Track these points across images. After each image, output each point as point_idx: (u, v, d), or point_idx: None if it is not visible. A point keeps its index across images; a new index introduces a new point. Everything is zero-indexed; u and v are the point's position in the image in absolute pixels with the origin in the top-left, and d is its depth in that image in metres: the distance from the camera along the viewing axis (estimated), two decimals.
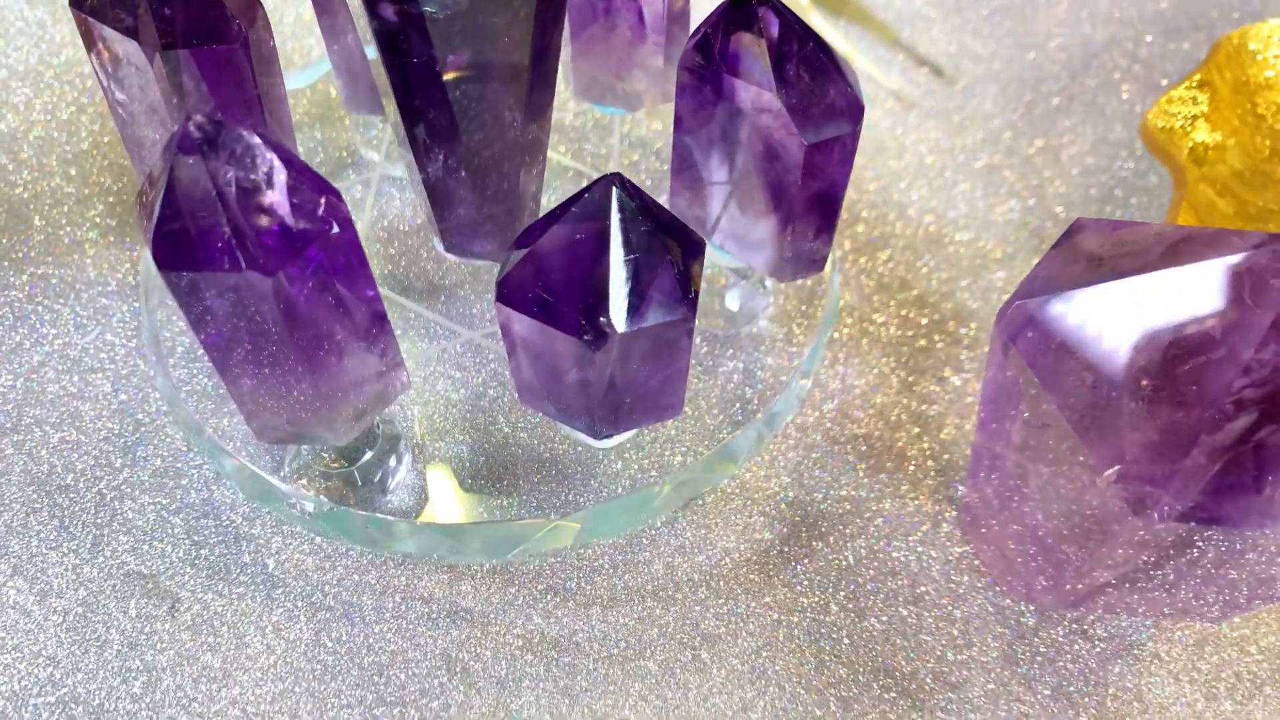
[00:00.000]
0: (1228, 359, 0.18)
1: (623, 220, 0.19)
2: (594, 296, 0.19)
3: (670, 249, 0.19)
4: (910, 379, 0.27)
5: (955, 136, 0.32)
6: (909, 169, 0.32)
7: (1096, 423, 0.19)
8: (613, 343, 0.19)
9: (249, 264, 0.17)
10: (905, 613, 0.24)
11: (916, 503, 0.25)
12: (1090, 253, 0.20)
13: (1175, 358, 0.18)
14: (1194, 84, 0.30)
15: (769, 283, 0.28)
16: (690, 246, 0.19)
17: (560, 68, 0.28)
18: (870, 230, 0.30)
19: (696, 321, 0.27)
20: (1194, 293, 0.19)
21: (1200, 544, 0.19)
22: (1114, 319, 0.19)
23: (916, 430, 0.26)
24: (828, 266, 0.27)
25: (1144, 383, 0.19)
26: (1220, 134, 0.30)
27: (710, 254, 0.26)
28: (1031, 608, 0.24)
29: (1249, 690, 0.23)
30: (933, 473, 0.26)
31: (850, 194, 0.31)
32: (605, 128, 0.31)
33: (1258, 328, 0.18)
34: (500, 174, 0.22)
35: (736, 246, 0.25)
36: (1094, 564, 0.21)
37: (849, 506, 0.25)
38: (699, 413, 0.26)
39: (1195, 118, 0.30)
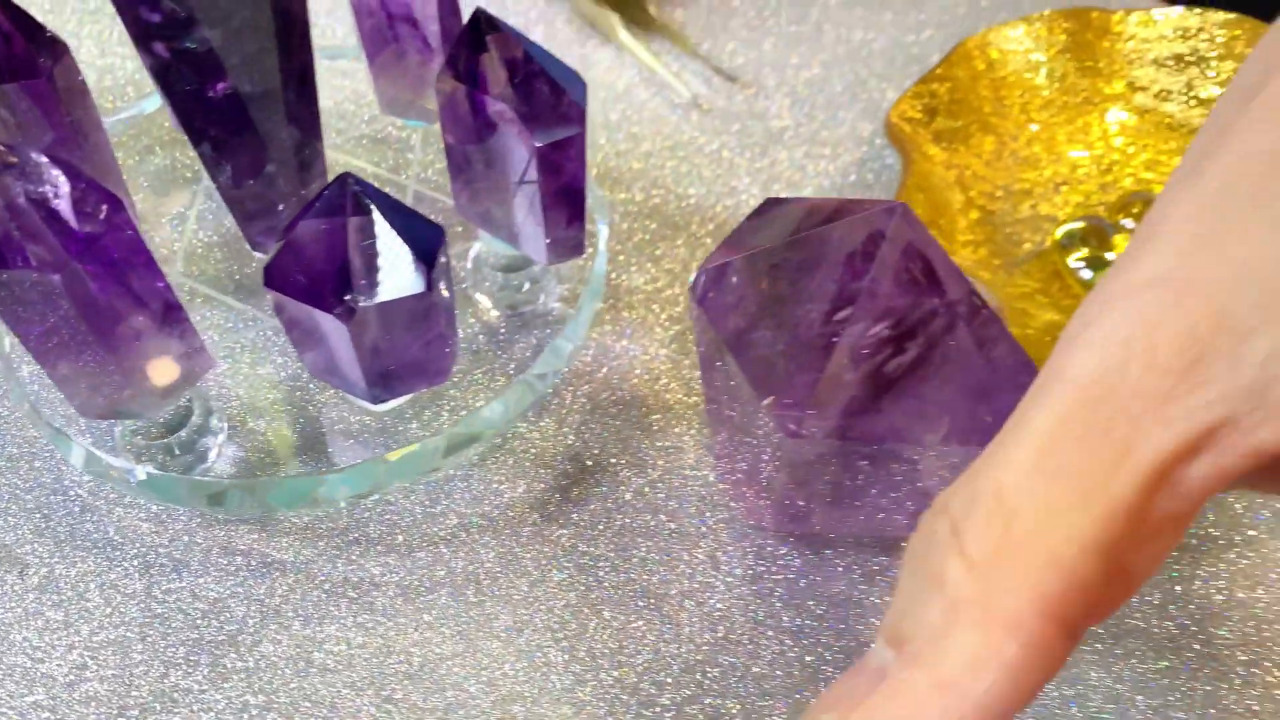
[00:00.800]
0: (859, 309, 0.22)
1: (356, 212, 0.22)
2: (339, 278, 0.22)
3: (402, 234, 0.23)
4: (684, 346, 0.31)
5: (742, 136, 0.37)
6: (699, 165, 0.36)
7: (760, 366, 0.23)
8: (362, 316, 0.23)
9: (40, 264, 0.21)
10: (665, 544, 0.27)
11: (681, 450, 0.29)
12: (765, 224, 0.24)
13: (812, 309, 0.22)
14: (932, 79, 0.34)
15: (557, 269, 0.32)
16: (424, 232, 0.23)
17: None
18: (663, 222, 0.34)
19: (485, 301, 0.31)
20: (828, 252, 0.23)
21: (879, 467, 0.23)
22: (761, 277, 0.23)
23: (684, 390, 0.30)
24: (601, 246, 0.31)
25: (792, 326, 0.22)
26: (959, 122, 0.34)
27: (497, 245, 0.30)
28: (768, 532, 0.28)
29: None
30: (695, 425, 0.30)
31: (644, 189, 0.35)
32: (407, 138, 0.35)
33: (882, 279, 0.22)
34: (281, 182, 0.26)
35: (508, 237, 0.28)
36: (800, 489, 0.25)
37: (625, 458, 0.29)
38: (487, 378, 0.30)
39: (934, 110, 0.34)
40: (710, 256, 0.24)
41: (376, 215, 0.23)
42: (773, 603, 0.27)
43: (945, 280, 0.22)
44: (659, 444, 0.29)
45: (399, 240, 0.23)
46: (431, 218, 0.24)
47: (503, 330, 0.31)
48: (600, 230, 0.31)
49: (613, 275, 0.32)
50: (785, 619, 0.26)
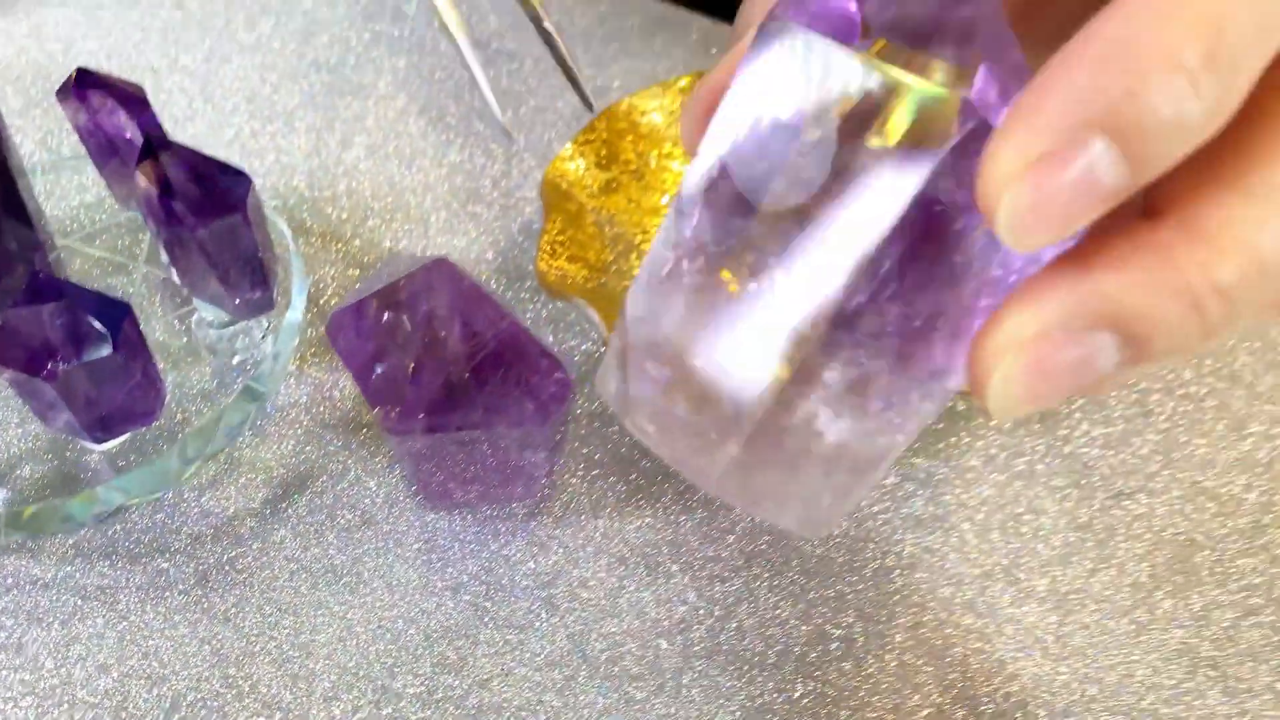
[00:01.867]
0: (424, 341, 0.30)
1: (51, 296, 0.29)
2: (46, 349, 0.30)
3: (89, 310, 0.30)
4: None
5: (462, 182, 0.44)
6: (396, 210, 0.43)
7: (374, 384, 0.30)
8: (66, 377, 0.30)
9: None
10: (358, 534, 0.35)
11: (376, 457, 0.36)
12: (384, 274, 0.32)
13: (400, 341, 0.30)
14: (583, 140, 0.42)
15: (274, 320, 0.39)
16: (108, 307, 0.30)
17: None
18: (365, 269, 0.41)
19: (206, 353, 0.38)
20: (402, 296, 0.30)
21: (470, 450, 0.31)
22: (367, 318, 0.31)
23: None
24: (295, 299, 0.38)
25: (394, 353, 0.30)
26: (610, 173, 0.43)
27: (209, 307, 0.37)
28: (440, 510, 0.35)
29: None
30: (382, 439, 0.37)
31: (358, 242, 0.42)
32: (141, 226, 0.42)
33: (435, 317, 0.30)
34: (17, 275, 0.33)
35: (211, 300, 0.36)
36: (432, 474, 0.32)
37: (332, 465, 0.36)
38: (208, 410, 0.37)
39: (587, 168, 0.42)
40: (341, 303, 0.32)
41: (65, 296, 0.30)
42: (444, 569, 0.34)
43: (482, 318, 0.30)
44: (358, 453, 0.36)
45: (85, 315, 0.30)
46: (156, 288, 0.31)
47: (217, 374, 0.38)
48: (296, 283, 0.38)
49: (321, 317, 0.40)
50: (449, 578, 0.34)
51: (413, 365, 0.30)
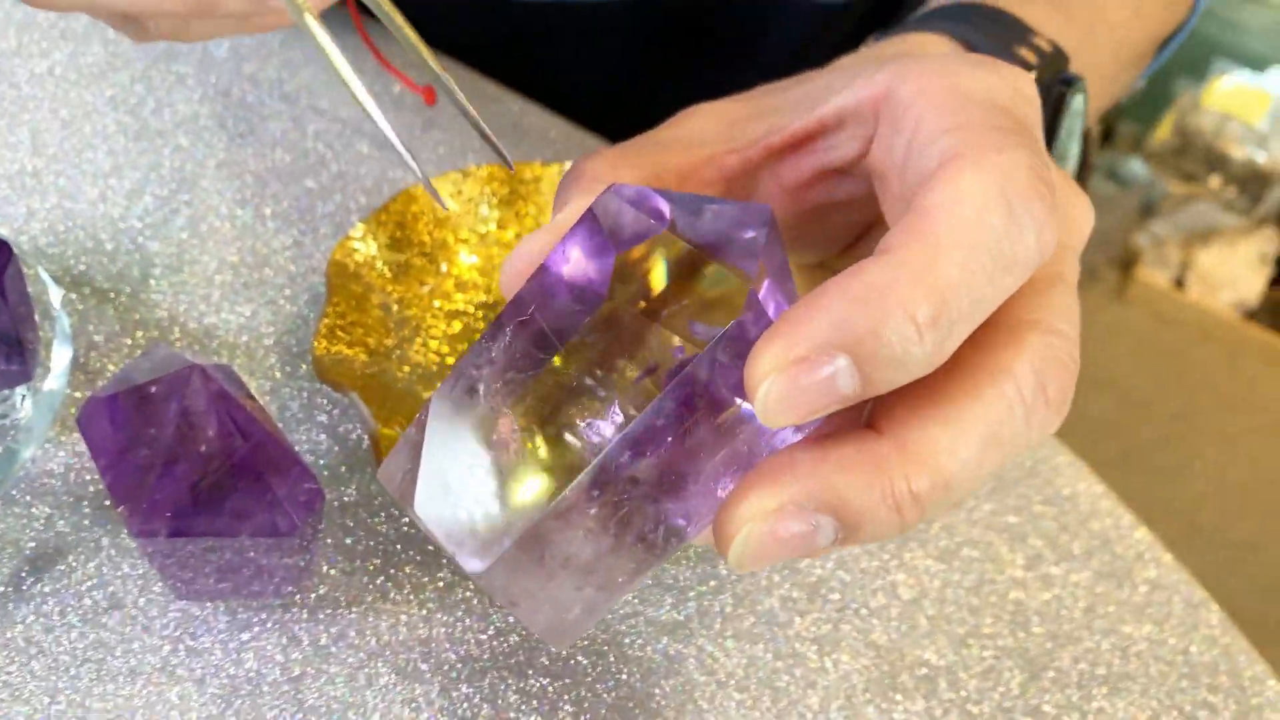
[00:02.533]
0: (180, 447, 0.30)
1: None
2: None
3: None
4: None
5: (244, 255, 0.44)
6: (179, 270, 0.43)
7: (122, 480, 0.30)
8: None
9: None
10: (104, 618, 0.34)
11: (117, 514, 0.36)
12: (144, 366, 0.32)
13: (150, 442, 0.30)
14: (375, 220, 0.43)
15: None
16: None
17: None
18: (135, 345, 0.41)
19: None
20: (153, 402, 0.30)
21: (218, 555, 0.31)
22: (122, 414, 0.30)
23: None
24: (55, 366, 0.37)
25: (145, 454, 0.30)
26: (403, 256, 0.43)
27: None
28: (188, 599, 0.35)
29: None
30: None
31: (135, 317, 0.41)
32: None
33: (190, 425, 0.30)
34: None
35: None
36: (197, 575, 0.32)
37: (84, 541, 0.35)
38: None
39: (379, 250, 0.43)
40: (96, 392, 0.32)
41: None
42: (192, 660, 0.34)
43: (235, 424, 0.30)
44: (114, 530, 0.36)
45: None
46: None
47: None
48: (59, 351, 0.37)
49: (89, 380, 0.39)
50: (196, 670, 0.34)
51: (161, 464, 0.30)
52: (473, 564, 0.23)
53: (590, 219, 0.24)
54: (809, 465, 0.22)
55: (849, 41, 0.62)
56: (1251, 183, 1.36)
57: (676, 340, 0.22)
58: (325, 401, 0.40)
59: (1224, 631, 0.40)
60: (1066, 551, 0.41)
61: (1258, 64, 1.39)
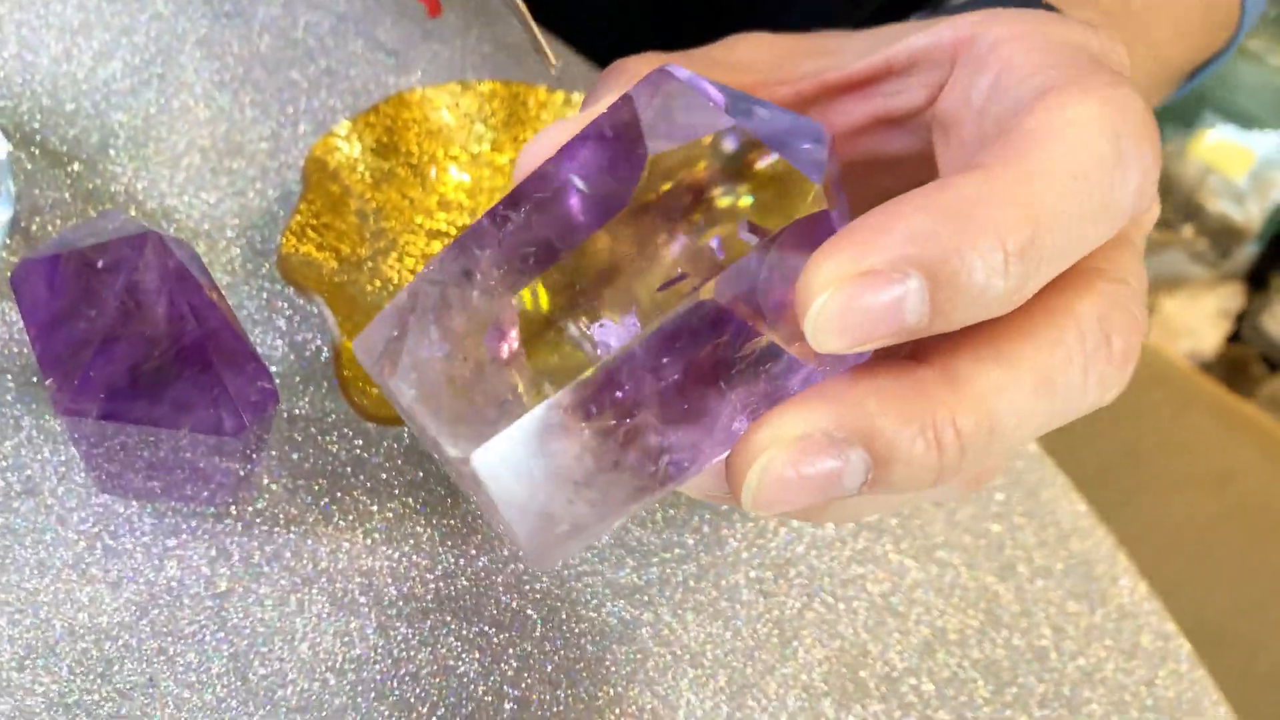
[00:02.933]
0: (125, 320, 0.27)
1: None
2: None
3: None
4: None
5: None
6: (144, 145, 0.39)
7: (55, 351, 0.27)
8: None
9: None
10: (18, 504, 0.31)
11: (59, 418, 0.33)
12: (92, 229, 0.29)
13: (93, 311, 0.27)
14: (363, 121, 0.40)
15: None
16: None
17: None
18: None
19: None
20: (94, 269, 0.27)
21: (145, 447, 0.28)
22: (68, 279, 0.27)
23: None
24: None
25: (84, 324, 0.27)
26: (387, 163, 0.40)
27: None
28: (113, 494, 0.32)
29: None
30: None
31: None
32: None
33: (135, 299, 0.27)
34: None
35: None
36: (126, 466, 0.29)
37: (3, 418, 0.32)
38: None
39: (362, 153, 0.39)
40: (34, 252, 0.28)
41: None
42: (109, 560, 0.31)
43: (188, 305, 0.27)
44: (38, 411, 0.33)
45: None
46: None
47: None
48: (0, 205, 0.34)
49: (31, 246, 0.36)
50: (112, 571, 0.31)
51: (100, 340, 0.27)
52: (456, 448, 0.21)
53: (632, 98, 0.21)
54: (840, 390, 0.19)
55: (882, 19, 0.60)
56: (1223, 237, 1.37)
57: (716, 241, 0.20)
58: (285, 306, 0.37)
59: (1191, 668, 0.39)
60: (1043, 567, 0.40)
61: (1246, 121, 1.40)
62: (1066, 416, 0.20)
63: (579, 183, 0.21)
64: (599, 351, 0.20)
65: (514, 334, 0.20)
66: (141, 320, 0.27)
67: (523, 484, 0.21)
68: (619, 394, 0.20)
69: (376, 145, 0.40)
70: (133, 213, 0.38)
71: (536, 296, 0.21)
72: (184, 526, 0.32)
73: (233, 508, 0.32)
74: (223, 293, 0.35)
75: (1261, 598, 1.20)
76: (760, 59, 0.26)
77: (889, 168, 0.27)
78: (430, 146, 0.41)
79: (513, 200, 0.22)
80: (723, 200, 0.20)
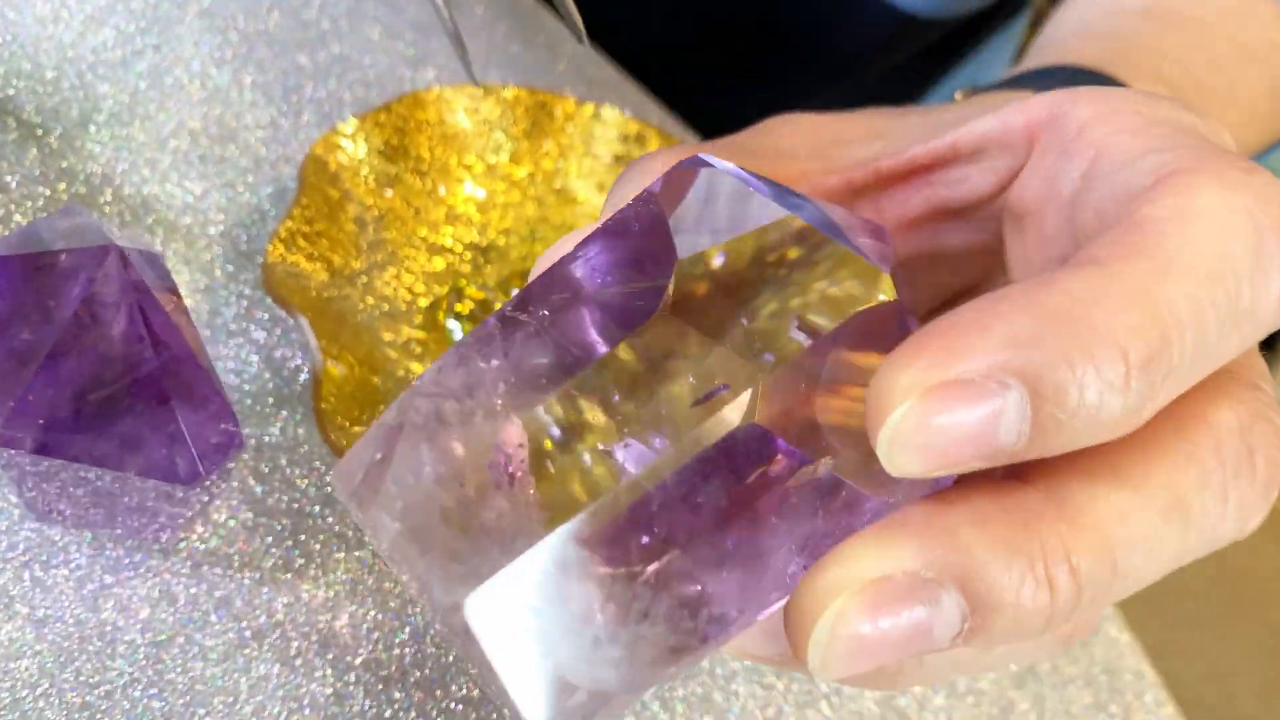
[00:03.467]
0: (71, 342, 0.23)
1: None
2: None
3: None
4: None
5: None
6: (129, 124, 0.36)
7: None
8: None
9: None
10: None
11: None
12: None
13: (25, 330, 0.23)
14: (372, 120, 0.36)
15: None
16: None
17: None
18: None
19: None
20: (52, 279, 0.24)
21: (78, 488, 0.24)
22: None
23: None
24: None
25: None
26: (394, 167, 0.37)
27: None
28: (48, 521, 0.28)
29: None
30: None
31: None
32: None
33: (93, 315, 0.23)
34: None
35: None
36: (62, 496, 0.26)
37: None
38: None
39: (368, 154, 0.36)
40: None
41: None
42: (37, 593, 0.27)
43: (149, 329, 0.24)
44: None
45: None
46: None
47: None
48: None
49: None
50: (39, 606, 0.27)
51: (45, 357, 0.23)
52: (447, 592, 0.17)
53: (657, 192, 0.19)
54: (926, 517, 0.16)
55: (916, 64, 0.56)
56: None
57: (762, 345, 0.16)
58: (266, 317, 0.34)
59: None
60: (1067, 676, 0.36)
61: None
62: (1199, 551, 0.17)
63: (600, 286, 0.18)
64: (622, 479, 0.17)
65: (522, 458, 0.17)
66: (94, 339, 0.24)
67: (528, 638, 0.17)
68: (646, 529, 0.17)
69: (385, 147, 0.36)
70: (108, 197, 0.34)
71: (549, 415, 0.17)
72: (126, 561, 0.28)
73: (182, 543, 0.29)
74: (192, 302, 0.32)
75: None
76: (802, 145, 0.23)
77: (948, 263, 0.24)
78: (443, 153, 0.37)
79: (523, 302, 0.19)
80: (771, 300, 0.17)
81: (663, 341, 0.17)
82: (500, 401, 0.18)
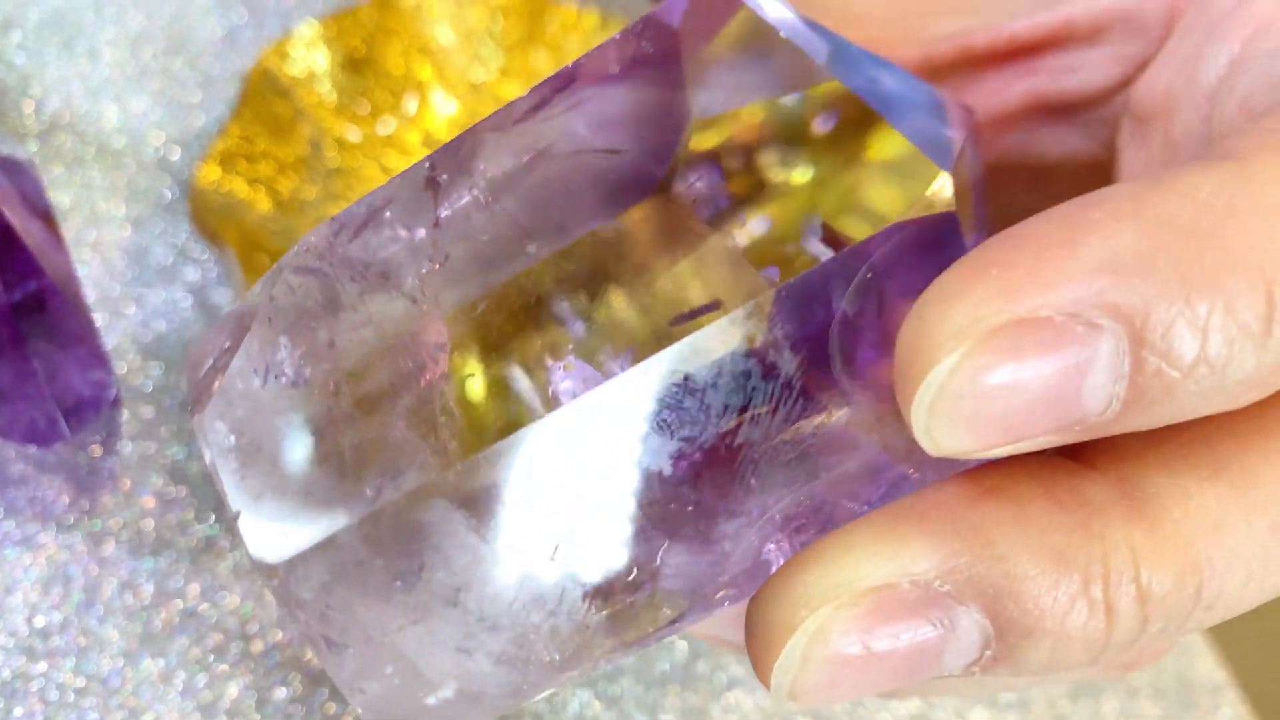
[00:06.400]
0: None
1: None
2: None
3: None
4: None
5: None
6: (64, 24, 0.31)
7: None
8: None
9: None
10: None
11: None
12: None
13: None
14: (335, 25, 0.31)
15: None
16: None
17: None
18: None
19: None
20: None
21: None
22: None
23: None
24: None
25: None
26: (361, 81, 0.32)
27: None
28: None
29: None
30: None
31: None
32: None
33: None
34: None
35: None
36: None
37: None
38: None
39: (329, 68, 0.31)
40: None
41: None
42: None
43: (14, 259, 0.19)
44: None
45: None
46: None
47: None
48: None
49: None
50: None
51: None
52: (268, 547, 0.13)
53: (673, 23, 0.14)
54: (950, 507, 0.12)
55: None
56: None
57: (768, 255, 0.12)
58: (205, 255, 0.29)
59: None
60: (1131, 688, 0.31)
61: None
62: None
63: (577, 144, 0.13)
64: (553, 411, 0.12)
65: (441, 370, 0.13)
66: None
67: (375, 613, 0.13)
68: (570, 482, 0.12)
69: (348, 60, 0.31)
70: (27, 112, 0.30)
71: (483, 315, 0.13)
72: (12, 534, 0.24)
73: (86, 516, 0.25)
74: (120, 237, 0.28)
75: None
76: (878, 8, 0.19)
77: (1047, 177, 0.19)
78: (419, 68, 0.33)
79: (468, 156, 0.14)
80: (792, 188, 0.12)
81: (646, 232, 0.13)
82: (421, 287, 0.13)
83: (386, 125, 0.32)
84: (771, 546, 0.13)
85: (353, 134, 0.31)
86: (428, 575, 0.13)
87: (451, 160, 0.14)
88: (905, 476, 0.13)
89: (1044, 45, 0.18)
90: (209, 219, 0.26)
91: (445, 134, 0.33)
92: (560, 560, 0.13)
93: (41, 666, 0.23)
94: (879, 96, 0.13)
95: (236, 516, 0.13)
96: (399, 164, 0.31)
